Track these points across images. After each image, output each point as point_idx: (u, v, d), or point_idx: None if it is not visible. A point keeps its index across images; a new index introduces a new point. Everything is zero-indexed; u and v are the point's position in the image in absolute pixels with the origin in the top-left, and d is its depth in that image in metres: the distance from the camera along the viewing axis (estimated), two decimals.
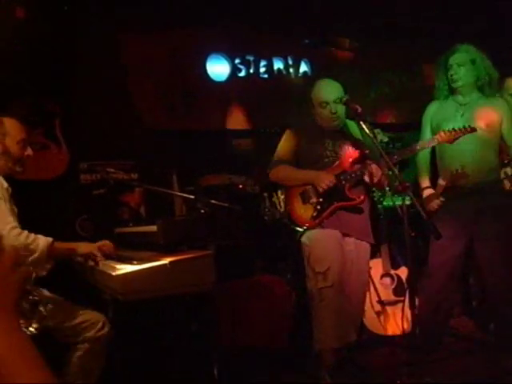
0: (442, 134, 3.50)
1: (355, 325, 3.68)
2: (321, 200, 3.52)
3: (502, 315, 3.80)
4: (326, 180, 3.46)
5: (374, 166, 3.43)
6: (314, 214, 3.52)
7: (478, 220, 3.69)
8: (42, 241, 2.62)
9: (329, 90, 3.58)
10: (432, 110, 3.92)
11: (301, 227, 3.56)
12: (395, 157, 3.45)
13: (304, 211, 3.56)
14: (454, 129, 3.50)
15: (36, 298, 2.52)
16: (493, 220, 3.66)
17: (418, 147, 3.59)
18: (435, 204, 3.74)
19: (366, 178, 3.50)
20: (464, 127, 3.51)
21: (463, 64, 3.74)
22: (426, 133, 3.90)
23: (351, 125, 3.67)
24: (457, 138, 3.50)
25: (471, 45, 3.81)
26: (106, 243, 2.86)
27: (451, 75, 3.77)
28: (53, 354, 2.67)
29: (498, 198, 3.74)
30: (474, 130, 3.53)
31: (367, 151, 3.52)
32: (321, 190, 3.48)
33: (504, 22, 5.50)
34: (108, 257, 2.83)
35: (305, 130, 3.71)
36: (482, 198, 3.69)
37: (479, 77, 3.76)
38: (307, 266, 3.55)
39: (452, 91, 3.85)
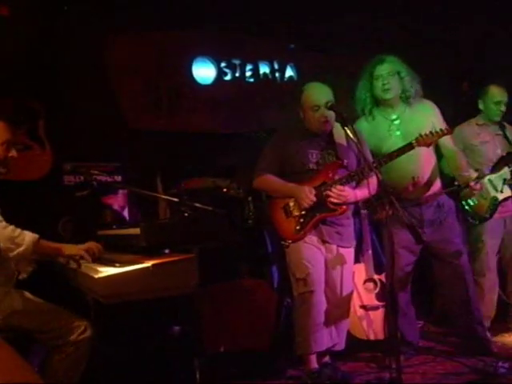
0: (420, 138, 3.49)
1: (341, 330, 3.69)
2: (303, 213, 3.52)
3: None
4: (309, 196, 3.45)
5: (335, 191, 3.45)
6: (298, 228, 3.53)
7: (426, 230, 3.83)
8: (29, 236, 2.63)
9: (320, 94, 3.55)
10: (363, 130, 3.83)
11: (286, 241, 3.57)
12: (374, 165, 3.46)
13: (288, 225, 3.56)
14: (431, 132, 3.50)
15: None
16: (439, 229, 3.88)
17: (396, 155, 3.58)
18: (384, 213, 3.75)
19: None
20: (441, 130, 3.54)
21: (393, 74, 3.78)
22: None
23: (338, 130, 3.64)
24: (432, 142, 3.54)
25: (395, 56, 3.86)
26: (93, 244, 2.84)
27: (383, 85, 3.78)
28: (34, 357, 2.66)
29: (442, 208, 3.92)
30: (449, 132, 3.58)
31: (346, 161, 3.53)
32: (304, 206, 3.48)
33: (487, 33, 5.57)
34: (95, 259, 2.81)
35: (290, 138, 3.67)
36: (427, 208, 3.87)
37: (404, 88, 3.82)
38: (289, 272, 3.58)
39: (377, 104, 3.88)
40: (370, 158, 3.53)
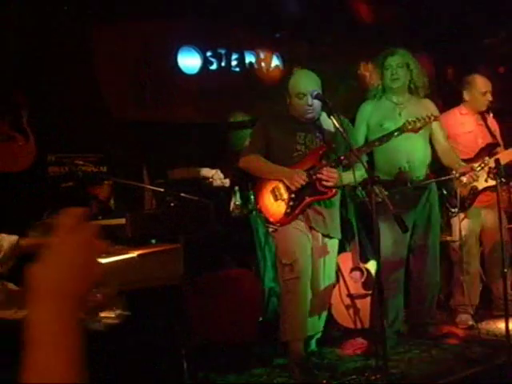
0: (407, 123, 3.57)
1: (321, 321, 3.72)
2: (293, 196, 3.51)
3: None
4: (298, 179, 3.45)
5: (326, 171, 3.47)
6: (288, 211, 3.52)
7: (416, 213, 4.02)
8: (7, 241, 2.59)
9: (306, 82, 3.58)
10: (368, 110, 4.08)
11: (275, 225, 3.56)
12: (363, 148, 3.49)
13: (276, 208, 3.55)
14: (418, 118, 3.58)
15: None
16: (429, 213, 4.08)
17: (385, 139, 3.62)
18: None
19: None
20: (428, 116, 3.62)
21: (401, 66, 3.98)
22: (360, 131, 4.02)
23: (325, 118, 3.66)
24: (420, 128, 3.60)
25: (406, 50, 4.07)
26: None
27: (391, 75, 3.98)
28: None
29: (431, 192, 4.11)
30: (436, 118, 3.71)
31: (334, 145, 3.54)
32: (294, 188, 3.49)
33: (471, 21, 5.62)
34: None
35: (277, 121, 3.70)
36: (421, 192, 4.04)
37: (411, 80, 4.03)
38: (276, 258, 3.59)
39: (385, 91, 4.06)
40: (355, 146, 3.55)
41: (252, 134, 3.75)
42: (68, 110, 4.50)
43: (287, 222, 3.52)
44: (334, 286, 3.89)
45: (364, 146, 3.60)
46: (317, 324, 3.62)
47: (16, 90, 4.29)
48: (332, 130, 3.58)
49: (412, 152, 3.94)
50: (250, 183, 4.02)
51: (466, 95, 4.46)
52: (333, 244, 3.68)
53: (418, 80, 4.03)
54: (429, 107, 4.03)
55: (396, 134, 3.60)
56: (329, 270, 3.67)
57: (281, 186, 3.54)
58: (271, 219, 3.58)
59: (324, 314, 3.75)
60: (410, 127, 3.56)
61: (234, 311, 3.90)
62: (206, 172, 4.47)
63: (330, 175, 3.46)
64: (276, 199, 3.55)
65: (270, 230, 3.62)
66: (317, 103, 3.54)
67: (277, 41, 5.55)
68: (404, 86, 4.04)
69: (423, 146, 4.03)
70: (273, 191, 3.56)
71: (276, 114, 3.79)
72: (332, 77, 5.01)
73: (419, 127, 3.58)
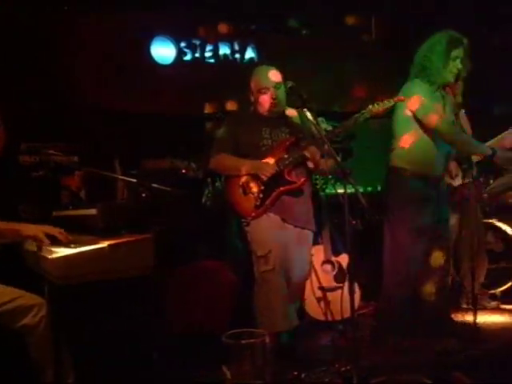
0: (371, 107, 3.40)
1: (295, 311, 3.73)
2: (262, 188, 3.53)
3: None
4: (268, 168, 3.48)
5: (311, 148, 3.47)
6: (258, 203, 3.53)
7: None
8: None
9: (268, 76, 3.61)
10: (424, 90, 3.62)
11: (246, 218, 3.57)
12: (338, 130, 3.48)
13: (247, 202, 3.56)
14: (383, 101, 3.40)
15: None
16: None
17: (350, 124, 3.49)
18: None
19: (309, 164, 3.53)
20: (394, 98, 3.44)
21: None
22: None
23: (293, 110, 3.69)
24: (387, 110, 3.43)
25: None
26: (55, 229, 2.74)
27: (458, 68, 3.63)
28: None
29: None
30: (401, 99, 3.49)
31: (301, 135, 3.55)
32: (264, 178, 3.49)
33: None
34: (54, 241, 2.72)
35: (243, 118, 3.75)
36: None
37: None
38: (251, 251, 3.59)
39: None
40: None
41: (219, 133, 3.75)
42: (41, 99, 4.46)
43: (258, 214, 3.53)
44: (306, 279, 3.89)
45: (330, 132, 3.54)
46: (292, 317, 3.63)
47: None
48: (299, 123, 3.60)
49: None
50: (223, 175, 4.01)
51: None
52: (307, 236, 3.69)
53: None
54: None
55: (361, 119, 3.42)
56: (302, 262, 3.68)
57: (250, 179, 3.55)
58: (242, 213, 3.59)
59: (297, 307, 3.77)
60: (375, 111, 3.40)
61: (208, 303, 3.90)
62: (179, 163, 4.46)
63: (314, 151, 3.46)
64: (245, 193, 3.56)
65: (243, 224, 3.62)
66: (281, 96, 3.57)
67: (252, 33, 5.54)
68: None
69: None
70: (242, 186, 3.57)
71: (242, 111, 3.80)
72: (308, 69, 5.01)
73: (383, 110, 3.41)
